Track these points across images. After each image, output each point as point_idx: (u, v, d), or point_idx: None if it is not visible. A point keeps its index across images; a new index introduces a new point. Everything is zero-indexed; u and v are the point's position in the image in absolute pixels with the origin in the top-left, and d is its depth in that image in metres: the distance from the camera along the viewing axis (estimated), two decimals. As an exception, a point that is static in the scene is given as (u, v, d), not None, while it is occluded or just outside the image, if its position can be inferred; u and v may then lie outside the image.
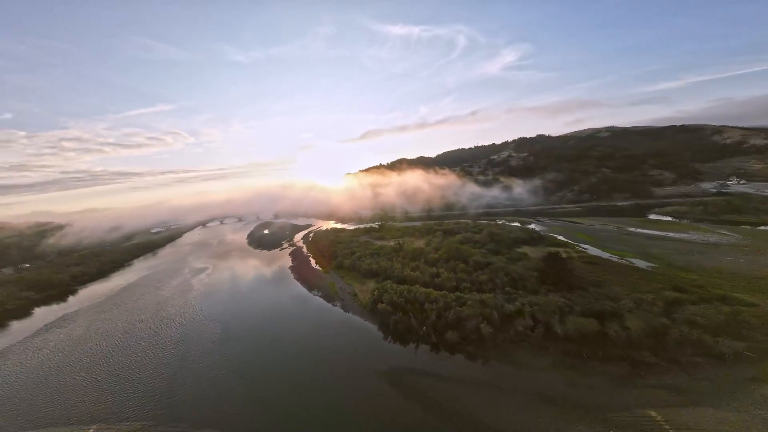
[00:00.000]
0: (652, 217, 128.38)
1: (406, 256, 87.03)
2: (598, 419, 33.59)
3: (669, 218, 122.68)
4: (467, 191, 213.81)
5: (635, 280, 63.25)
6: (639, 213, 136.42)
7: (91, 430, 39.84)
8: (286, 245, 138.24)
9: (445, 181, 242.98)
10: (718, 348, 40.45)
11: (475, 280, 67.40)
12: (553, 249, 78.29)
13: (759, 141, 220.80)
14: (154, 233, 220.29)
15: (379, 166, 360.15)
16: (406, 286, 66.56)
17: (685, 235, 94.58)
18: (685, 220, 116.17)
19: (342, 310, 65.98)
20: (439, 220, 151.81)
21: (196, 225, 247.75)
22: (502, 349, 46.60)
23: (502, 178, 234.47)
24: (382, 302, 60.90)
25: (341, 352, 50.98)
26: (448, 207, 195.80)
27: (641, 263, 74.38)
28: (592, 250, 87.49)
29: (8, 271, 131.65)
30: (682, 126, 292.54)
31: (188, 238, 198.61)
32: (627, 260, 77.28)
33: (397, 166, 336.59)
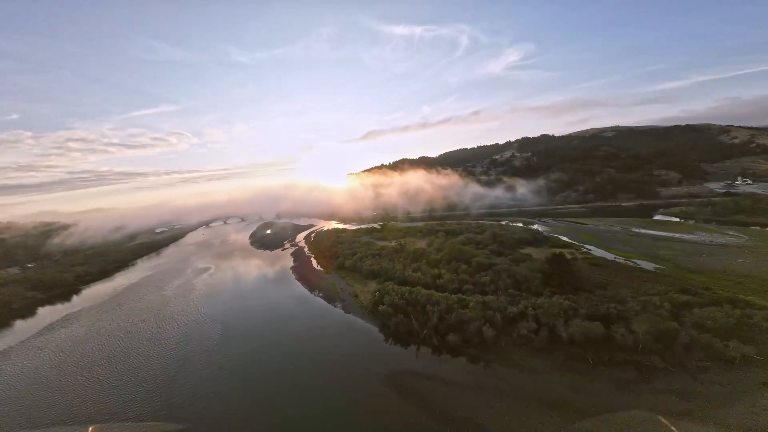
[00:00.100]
0: (658, 217, 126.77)
1: (407, 257, 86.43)
2: (602, 425, 32.76)
3: (675, 219, 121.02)
4: (470, 191, 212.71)
5: (642, 282, 62.14)
6: (645, 213, 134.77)
7: (90, 430, 39.71)
8: (288, 245, 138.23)
9: (448, 181, 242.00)
10: (728, 352, 39.42)
11: (477, 281, 66.67)
12: (558, 250, 77.21)
13: (767, 141, 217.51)
14: (158, 233, 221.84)
15: (382, 167, 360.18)
16: (407, 287, 65.98)
17: (693, 236, 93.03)
18: (692, 221, 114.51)
19: (343, 312, 65.53)
20: (441, 221, 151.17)
21: (199, 225, 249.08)
22: (505, 352, 45.83)
23: (505, 178, 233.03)
24: (383, 304, 60.34)
25: (341, 353, 50.50)
26: (451, 207, 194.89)
27: (648, 265, 73.15)
28: (597, 252, 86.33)
29: (14, 270, 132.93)
30: (688, 126, 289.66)
31: (191, 238, 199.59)
32: (633, 262, 76.05)
33: (400, 166, 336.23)
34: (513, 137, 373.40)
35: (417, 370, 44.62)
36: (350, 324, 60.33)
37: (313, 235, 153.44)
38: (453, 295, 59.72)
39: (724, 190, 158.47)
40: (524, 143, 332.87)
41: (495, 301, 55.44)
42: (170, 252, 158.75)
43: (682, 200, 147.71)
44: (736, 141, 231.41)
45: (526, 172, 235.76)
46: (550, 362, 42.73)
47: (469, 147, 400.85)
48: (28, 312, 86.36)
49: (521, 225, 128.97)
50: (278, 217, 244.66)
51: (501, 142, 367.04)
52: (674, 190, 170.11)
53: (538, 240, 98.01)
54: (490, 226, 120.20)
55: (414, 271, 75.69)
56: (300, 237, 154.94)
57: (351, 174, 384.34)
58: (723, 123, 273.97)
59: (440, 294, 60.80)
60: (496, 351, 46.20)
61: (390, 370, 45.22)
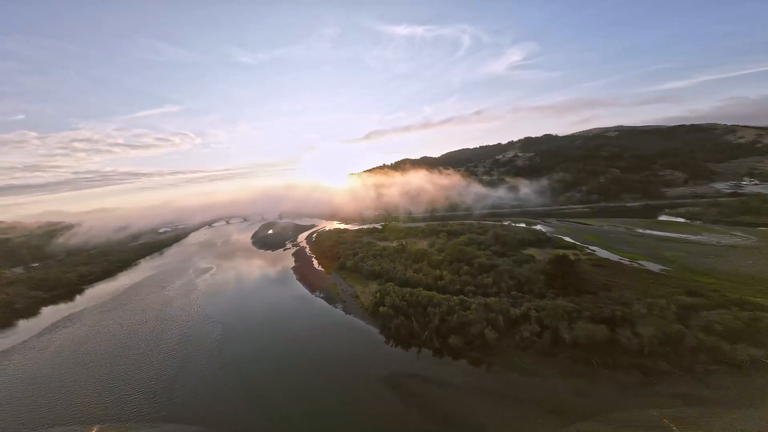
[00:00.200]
0: (663, 218, 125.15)
1: (409, 258, 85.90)
2: (606, 429, 32.07)
3: (681, 219, 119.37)
4: (472, 191, 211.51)
5: (647, 284, 61.19)
6: (649, 214, 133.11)
7: (95, 430, 39.61)
8: (289, 245, 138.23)
9: (450, 181, 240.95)
10: (736, 355, 38.59)
11: (479, 283, 65.98)
12: (561, 251, 76.52)
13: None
14: (161, 233, 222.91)
15: (383, 167, 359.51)
16: (408, 288, 65.45)
17: (699, 236, 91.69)
18: (699, 222, 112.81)
19: (343, 313, 65.17)
20: (443, 221, 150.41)
21: (202, 225, 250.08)
22: (507, 355, 45.20)
23: (507, 179, 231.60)
24: (384, 305, 59.86)
25: (341, 355, 50.15)
26: (453, 207, 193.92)
27: (653, 266, 72.08)
28: (602, 253, 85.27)
29: (18, 270, 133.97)
30: (693, 125, 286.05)
31: (194, 237, 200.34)
32: (638, 263, 74.98)
33: (401, 166, 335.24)
34: (515, 137, 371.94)
35: (418, 373, 44.14)
36: (351, 325, 59.96)
37: (314, 235, 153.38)
38: (455, 297, 59.09)
39: (731, 191, 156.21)
40: (527, 143, 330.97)
41: (497, 302, 54.74)
42: (173, 252, 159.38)
43: (688, 200, 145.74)
44: (743, 141, 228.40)
45: (529, 172, 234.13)
46: (554, 366, 42.05)
47: (471, 147, 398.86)
48: (31, 312, 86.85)
49: (524, 225, 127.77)
50: (280, 217, 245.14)
51: (503, 142, 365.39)
52: (679, 190, 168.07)
53: (541, 241, 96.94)
54: (493, 226, 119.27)
55: (415, 272, 75.16)
56: (301, 237, 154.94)
57: (352, 174, 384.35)
58: (728, 123, 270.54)
59: (442, 295, 60.21)
60: (499, 354, 45.58)
61: (390, 371, 44.78)
